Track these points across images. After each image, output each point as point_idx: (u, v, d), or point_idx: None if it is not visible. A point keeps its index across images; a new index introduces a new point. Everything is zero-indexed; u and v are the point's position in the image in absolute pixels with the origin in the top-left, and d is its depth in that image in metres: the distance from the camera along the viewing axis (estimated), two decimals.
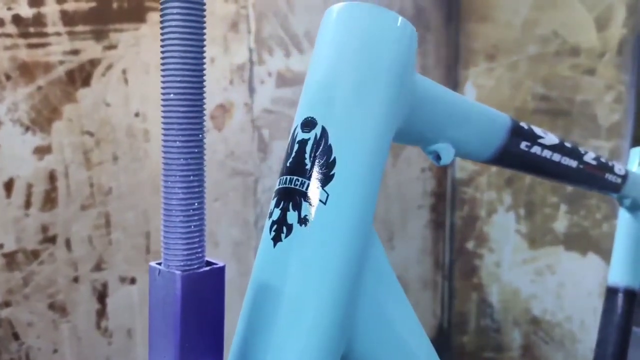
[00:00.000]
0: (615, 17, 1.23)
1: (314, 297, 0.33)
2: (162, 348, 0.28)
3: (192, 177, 0.28)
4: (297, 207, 0.34)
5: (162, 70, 0.28)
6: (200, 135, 0.28)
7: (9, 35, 0.84)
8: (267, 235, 0.35)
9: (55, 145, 0.90)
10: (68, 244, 0.92)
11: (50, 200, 0.90)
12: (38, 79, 0.87)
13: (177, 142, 0.27)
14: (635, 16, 1.22)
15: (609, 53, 1.24)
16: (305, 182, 0.34)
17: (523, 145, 0.50)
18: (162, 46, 0.28)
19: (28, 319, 0.90)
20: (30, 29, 0.86)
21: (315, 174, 0.34)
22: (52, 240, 0.91)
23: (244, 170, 1.12)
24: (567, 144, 0.55)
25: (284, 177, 0.35)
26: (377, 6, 0.37)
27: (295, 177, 0.35)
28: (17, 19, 0.85)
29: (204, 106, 0.29)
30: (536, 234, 1.40)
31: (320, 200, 0.34)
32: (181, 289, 0.27)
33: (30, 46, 0.86)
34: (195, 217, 0.28)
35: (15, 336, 0.89)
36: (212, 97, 1.06)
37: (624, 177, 0.65)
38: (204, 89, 0.29)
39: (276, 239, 0.34)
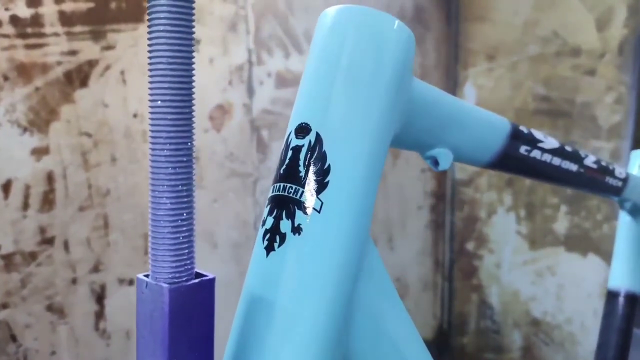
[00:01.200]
0: (616, 18, 1.22)
1: (308, 309, 0.32)
2: None
3: (180, 186, 0.27)
4: (291, 216, 0.33)
5: (150, 76, 0.27)
6: (189, 144, 0.27)
7: (6, 36, 0.84)
8: (259, 245, 0.34)
9: (53, 146, 0.89)
10: (66, 245, 0.92)
11: (48, 202, 0.89)
12: (36, 79, 0.87)
13: (165, 151, 0.27)
14: (636, 16, 1.21)
15: (610, 54, 1.23)
16: (299, 189, 0.33)
17: (523, 149, 0.49)
18: (149, 51, 0.27)
19: (26, 320, 0.89)
20: (28, 29, 0.85)
21: (310, 182, 0.33)
22: (50, 241, 0.90)
23: (243, 171, 1.11)
24: (567, 148, 0.54)
25: (278, 184, 0.35)
26: (373, 9, 0.37)
27: (289, 185, 0.34)
28: (14, 20, 0.84)
29: (194, 113, 0.28)
30: (536, 235, 1.39)
31: (315, 209, 0.33)
32: (169, 303, 0.26)
33: (28, 47, 0.86)
34: (184, 228, 0.27)
35: (13, 338, 0.88)
36: (211, 98, 1.05)
37: (625, 181, 0.65)
38: (193, 95, 0.28)
39: (269, 249, 0.33)
